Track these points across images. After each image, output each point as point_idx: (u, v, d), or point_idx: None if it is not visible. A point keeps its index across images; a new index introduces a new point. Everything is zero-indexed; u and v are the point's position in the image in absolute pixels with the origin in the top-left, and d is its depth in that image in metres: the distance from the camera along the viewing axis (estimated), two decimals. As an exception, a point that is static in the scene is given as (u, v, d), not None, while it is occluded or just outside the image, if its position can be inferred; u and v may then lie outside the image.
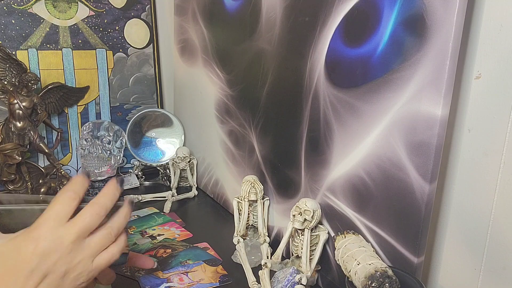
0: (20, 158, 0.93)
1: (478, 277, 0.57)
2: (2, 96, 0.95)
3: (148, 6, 1.20)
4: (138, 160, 1.19)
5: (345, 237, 0.59)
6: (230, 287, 0.70)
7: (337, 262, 0.58)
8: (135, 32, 1.19)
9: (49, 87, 1.02)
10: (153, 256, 0.77)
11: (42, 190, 0.96)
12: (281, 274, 0.65)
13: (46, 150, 0.98)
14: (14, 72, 0.96)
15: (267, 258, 0.73)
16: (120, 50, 1.18)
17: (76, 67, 1.12)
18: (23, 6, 1.04)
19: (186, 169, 1.10)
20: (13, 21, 1.03)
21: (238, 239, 0.77)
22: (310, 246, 0.67)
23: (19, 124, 0.93)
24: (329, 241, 0.68)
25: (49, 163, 1.01)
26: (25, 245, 0.42)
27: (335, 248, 0.60)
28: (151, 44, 1.22)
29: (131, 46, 1.19)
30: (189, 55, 1.12)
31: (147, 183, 1.17)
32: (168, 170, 1.13)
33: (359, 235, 0.60)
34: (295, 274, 0.62)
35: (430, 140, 0.50)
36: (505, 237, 0.53)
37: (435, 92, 0.49)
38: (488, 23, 0.52)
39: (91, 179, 0.49)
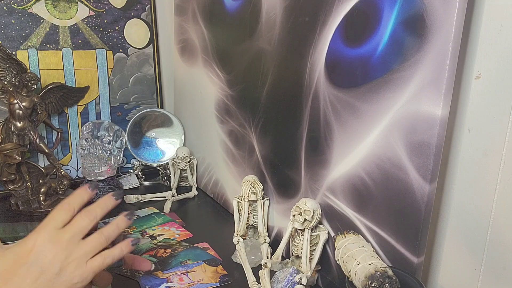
0: (20, 158, 0.93)
1: (478, 277, 0.57)
2: (2, 96, 0.95)
3: (148, 6, 1.20)
4: (138, 160, 1.19)
5: (345, 237, 0.59)
6: (230, 287, 0.70)
7: (337, 262, 0.58)
8: (135, 32, 1.19)
9: (49, 87, 1.02)
10: (153, 256, 0.77)
11: (42, 190, 0.96)
12: (281, 274, 0.65)
13: (46, 150, 0.98)
14: (14, 72, 0.96)
15: (267, 258, 0.73)
16: (120, 50, 1.18)
17: (76, 67, 1.12)
18: (23, 6, 1.04)
19: (186, 169, 1.10)
20: (13, 21, 1.03)
21: (238, 239, 0.77)
22: (310, 246, 0.67)
23: (19, 124, 0.93)
24: (329, 241, 0.68)
25: (49, 163, 1.01)
26: (25, 244, 0.46)
27: (335, 248, 0.60)
28: (151, 44, 1.22)
29: (131, 46, 1.19)
30: (189, 55, 1.12)
31: (147, 183, 1.17)
32: (168, 170, 1.13)
33: (359, 235, 0.60)
34: (295, 274, 0.62)
35: (430, 140, 0.50)
36: (505, 237, 0.53)
37: (435, 92, 0.49)
38: (488, 23, 0.52)
39: (96, 191, 0.53)
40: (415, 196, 0.53)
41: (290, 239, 0.70)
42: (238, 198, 0.81)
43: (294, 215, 0.66)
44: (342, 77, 0.63)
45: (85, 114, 1.15)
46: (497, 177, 0.53)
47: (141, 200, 1.03)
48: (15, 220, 0.92)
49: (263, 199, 0.81)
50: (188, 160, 1.10)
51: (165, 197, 1.03)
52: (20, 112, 0.93)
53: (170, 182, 1.10)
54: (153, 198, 1.04)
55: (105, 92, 1.17)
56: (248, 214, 0.80)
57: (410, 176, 0.53)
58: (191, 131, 1.18)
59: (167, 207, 0.99)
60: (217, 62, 0.98)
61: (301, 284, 0.62)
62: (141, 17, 1.20)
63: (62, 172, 1.00)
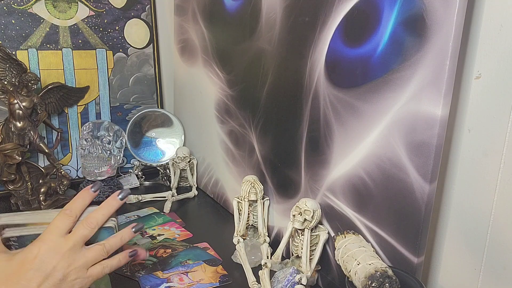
0: (20, 158, 0.93)
1: (478, 277, 0.57)
2: (2, 96, 0.95)
3: (148, 6, 1.20)
4: (138, 160, 1.19)
5: (345, 237, 0.60)
6: (230, 287, 0.70)
7: (337, 262, 0.58)
8: (135, 32, 1.19)
9: (49, 87, 1.02)
10: (153, 256, 0.77)
11: (42, 190, 0.96)
12: (281, 274, 0.65)
13: (46, 150, 0.98)
14: (14, 72, 0.95)
15: (267, 258, 0.73)
16: (120, 50, 1.18)
17: (76, 67, 1.12)
18: (23, 6, 1.04)
19: (186, 169, 1.10)
20: (13, 21, 1.03)
21: (238, 239, 0.77)
22: (310, 246, 0.67)
23: (19, 124, 0.93)
24: (329, 241, 0.68)
25: (49, 163, 1.01)
26: (30, 251, 0.49)
27: (335, 248, 0.60)
28: (151, 44, 1.22)
29: (131, 46, 1.19)
30: (189, 55, 1.12)
31: (147, 183, 1.17)
32: (168, 170, 1.13)
33: (359, 235, 0.60)
34: (295, 274, 0.62)
35: (430, 140, 0.50)
36: (505, 237, 0.53)
37: (435, 92, 0.49)
38: (488, 23, 0.52)
39: (98, 191, 0.56)
40: (415, 196, 0.53)
41: (290, 239, 0.70)
42: (238, 198, 0.81)
43: (294, 215, 0.66)
44: (342, 77, 0.63)
45: (85, 114, 1.15)
46: (497, 177, 0.53)
47: (141, 200, 1.03)
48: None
49: (263, 199, 0.81)
50: (188, 160, 1.10)
51: (165, 197, 1.03)
52: (20, 112, 0.93)
53: (170, 182, 1.10)
54: (153, 198, 1.04)
55: (105, 92, 1.17)
56: (248, 214, 0.80)
57: (410, 176, 0.53)
58: (191, 131, 1.18)
59: (167, 207, 0.99)
60: (217, 62, 0.98)
61: (301, 284, 0.62)
62: (141, 17, 1.20)
63: (62, 172, 1.00)
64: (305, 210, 0.65)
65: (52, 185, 0.98)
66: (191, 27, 1.09)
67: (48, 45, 1.08)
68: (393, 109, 0.55)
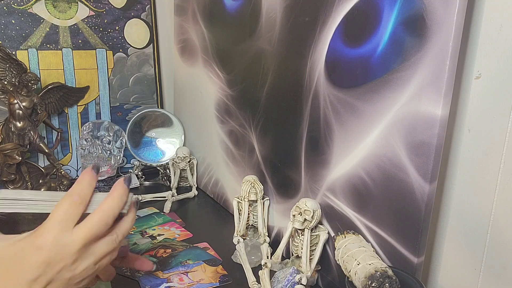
0: (20, 158, 0.93)
1: (478, 277, 0.57)
2: (2, 96, 0.95)
3: (148, 6, 1.20)
4: (138, 160, 1.19)
5: (345, 237, 0.59)
6: (230, 287, 0.70)
7: (337, 262, 0.58)
8: (135, 32, 1.19)
9: (49, 87, 1.02)
10: (153, 256, 0.77)
11: (42, 190, 0.96)
12: (281, 274, 0.65)
13: (46, 150, 0.98)
14: (14, 72, 0.96)
15: (267, 258, 0.73)
16: (120, 50, 1.18)
17: (76, 67, 1.12)
18: (23, 6, 1.04)
19: (186, 169, 1.10)
20: (13, 21, 1.03)
21: (238, 239, 0.77)
22: (310, 246, 0.67)
23: (19, 124, 0.93)
24: (329, 241, 0.68)
25: (49, 163, 1.01)
26: (30, 253, 0.42)
27: (335, 248, 0.60)
28: (151, 44, 1.22)
29: (131, 46, 1.19)
30: (189, 55, 1.12)
31: (147, 183, 1.17)
32: (168, 170, 1.13)
33: (359, 235, 0.60)
34: (295, 274, 0.62)
35: (430, 140, 0.50)
36: (505, 237, 0.53)
37: (435, 92, 0.49)
38: (488, 23, 0.52)
39: (100, 175, 0.48)
40: (415, 196, 0.53)
41: (290, 239, 0.70)
42: (238, 198, 0.81)
43: (294, 215, 0.66)
44: (342, 77, 0.63)
45: (85, 114, 1.15)
46: (497, 177, 0.53)
47: (141, 200, 1.03)
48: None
49: (263, 199, 0.81)
50: (188, 160, 1.10)
51: (165, 197, 1.03)
52: (20, 112, 0.93)
53: (170, 182, 1.10)
54: (153, 198, 1.04)
55: (105, 92, 1.17)
56: (248, 214, 0.80)
57: (410, 176, 0.53)
58: (191, 131, 1.18)
59: (167, 207, 0.99)
60: (217, 62, 0.98)
61: (301, 284, 0.62)
62: (141, 17, 1.20)
63: (62, 172, 1.00)
64: (305, 210, 0.65)
65: (52, 185, 0.98)
66: (191, 27, 1.09)
67: (48, 45, 1.08)
68: (393, 109, 0.55)
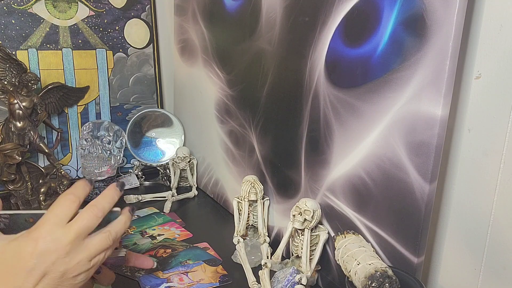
0: (20, 158, 0.93)
1: (478, 277, 0.57)
2: (2, 96, 0.95)
3: (148, 6, 1.20)
4: (138, 160, 1.19)
5: (345, 237, 0.59)
6: (230, 287, 0.70)
7: (337, 262, 0.58)
8: (135, 32, 1.19)
9: (49, 87, 1.02)
10: (153, 256, 0.77)
11: (42, 190, 0.96)
12: (281, 274, 0.65)
13: (46, 150, 0.98)
14: (14, 72, 0.95)
15: (267, 258, 0.73)
16: (120, 50, 1.18)
17: (76, 67, 1.12)
18: (23, 6, 1.04)
19: (186, 169, 1.10)
20: (13, 21, 1.03)
21: (238, 239, 0.77)
22: (310, 246, 0.67)
23: (19, 124, 0.93)
24: (329, 241, 0.68)
25: (49, 163, 1.01)
26: (25, 245, 0.43)
27: (335, 248, 0.60)
28: (151, 44, 1.22)
29: (131, 46, 1.19)
30: (189, 55, 1.12)
31: (147, 183, 1.17)
32: (168, 170, 1.13)
33: (359, 235, 0.60)
34: (295, 274, 0.62)
35: (430, 140, 0.50)
36: (505, 237, 0.53)
37: (435, 92, 0.49)
38: (488, 23, 0.52)
39: (93, 185, 0.50)
40: (415, 196, 0.53)
41: (290, 239, 0.70)
42: (238, 198, 0.81)
43: (294, 215, 0.66)
44: (342, 77, 0.63)
45: (85, 114, 1.15)
46: (497, 177, 0.53)
47: (141, 200, 1.03)
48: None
49: (263, 199, 0.81)
50: (188, 160, 1.10)
51: (165, 197, 1.03)
52: (20, 112, 0.93)
53: (170, 182, 1.10)
54: (153, 198, 1.04)
55: (105, 92, 1.17)
56: (248, 214, 0.80)
57: (410, 176, 0.53)
58: (191, 131, 1.18)
59: (167, 207, 0.99)
60: (217, 62, 0.98)
61: (301, 284, 0.62)
62: (141, 17, 1.20)
63: (62, 172, 1.00)
64: (305, 210, 0.65)
65: (52, 185, 0.98)
66: (191, 27, 1.09)
67: (48, 45, 1.08)
68: (393, 109, 0.55)
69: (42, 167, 1.01)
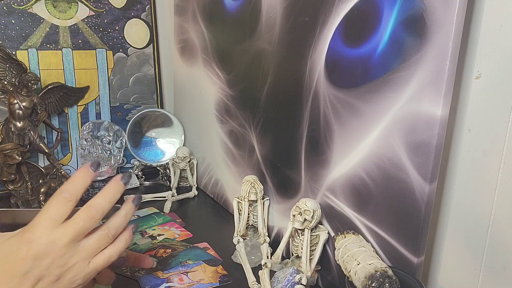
0: (20, 158, 0.93)
1: (478, 277, 0.57)
2: (2, 96, 0.95)
3: (148, 6, 1.20)
4: (138, 160, 1.19)
5: (345, 237, 0.60)
6: (230, 287, 0.70)
7: (337, 262, 0.58)
8: (135, 32, 1.19)
9: (49, 87, 1.02)
10: (153, 256, 0.77)
11: (42, 190, 0.96)
12: (281, 274, 0.65)
13: (46, 150, 0.98)
14: (14, 72, 0.96)
15: (267, 258, 0.73)
16: (120, 50, 1.18)
17: (76, 67, 1.12)
18: (23, 6, 1.04)
19: (186, 169, 1.10)
20: (13, 21, 1.03)
21: (238, 239, 0.77)
22: (310, 246, 0.67)
23: (19, 124, 0.93)
24: (329, 241, 0.68)
25: (49, 163, 1.01)
26: (18, 248, 0.42)
27: (335, 248, 0.60)
28: (151, 44, 1.22)
29: (131, 46, 1.19)
30: (189, 55, 1.12)
31: (147, 183, 1.17)
32: (168, 170, 1.13)
33: (359, 235, 0.60)
34: (295, 274, 0.62)
35: (430, 140, 0.50)
36: (505, 237, 0.53)
37: (435, 92, 0.49)
38: (488, 23, 0.52)
39: (98, 171, 0.46)
40: (415, 196, 0.53)
41: (290, 239, 0.70)
42: (238, 198, 0.81)
43: (294, 215, 0.66)
44: (342, 77, 0.63)
45: (85, 114, 1.15)
46: (497, 177, 0.53)
47: (141, 200, 1.03)
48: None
49: (263, 199, 0.81)
50: (188, 160, 1.10)
51: (165, 197, 1.03)
52: (20, 112, 0.93)
53: (170, 182, 1.10)
54: (153, 198, 1.04)
55: (105, 92, 1.17)
56: (248, 214, 0.80)
57: (410, 176, 0.53)
58: (191, 131, 1.18)
59: (167, 207, 0.99)
60: (217, 62, 0.98)
61: (301, 284, 0.62)
62: (141, 17, 1.20)
63: (62, 172, 1.00)
64: (305, 210, 0.65)
65: (52, 185, 0.98)
66: (191, 27, 1.09)
67: (48, 45, 1.08)
68: (393, 109, 0.55)
69: (42, 167, 1.01)
